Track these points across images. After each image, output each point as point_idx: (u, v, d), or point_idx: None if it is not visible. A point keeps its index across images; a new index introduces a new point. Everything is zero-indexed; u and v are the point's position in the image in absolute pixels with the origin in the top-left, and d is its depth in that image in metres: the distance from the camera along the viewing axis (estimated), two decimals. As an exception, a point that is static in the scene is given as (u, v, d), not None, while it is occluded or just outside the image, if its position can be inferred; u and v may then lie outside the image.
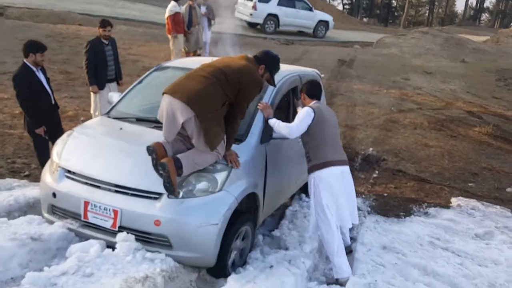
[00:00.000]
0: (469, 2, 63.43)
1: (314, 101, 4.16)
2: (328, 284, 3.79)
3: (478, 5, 67.40)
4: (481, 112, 11.25)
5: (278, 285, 3.19)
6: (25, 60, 4.85)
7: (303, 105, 4.23)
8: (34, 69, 4.87)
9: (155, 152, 3.33)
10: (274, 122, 3.93)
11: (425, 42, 20.18)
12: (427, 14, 65.36)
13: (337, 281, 3.81)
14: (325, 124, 3.98)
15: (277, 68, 3.89)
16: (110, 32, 6.33)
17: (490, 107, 11.94)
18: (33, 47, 4.82)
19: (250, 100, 3.61)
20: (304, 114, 3.95)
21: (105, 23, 6.27)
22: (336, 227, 3.88)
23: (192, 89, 3.29)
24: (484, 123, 10.07)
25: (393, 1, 63.95)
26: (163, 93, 3.41)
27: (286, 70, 4.89)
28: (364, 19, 53.08)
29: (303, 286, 3.52)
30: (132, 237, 3.28)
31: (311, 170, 3.98)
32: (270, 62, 3.76)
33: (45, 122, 4.90)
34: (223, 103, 3.39)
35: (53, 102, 5.12)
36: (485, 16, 71.51)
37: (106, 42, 6.32)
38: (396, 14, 63.03)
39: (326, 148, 3.96)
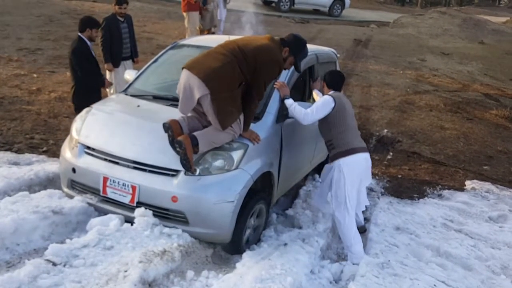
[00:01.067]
0: (489, -18, 61.63)
1: (331, 91, 4.08)
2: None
3: (499, -16, 65.57)
4: (498, 95, 11.08)
5: (292, 262, 3.24)
6: (80, 34, 4.99)
7: (322, 92, 4.17)
8: (89, 43, 5.02)
9: (171, 129, 3.36)
10: (290, 103, 3.91)
11: (443, 22, 19.76)
12: (445, -6, 63.80)
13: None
14: (345, 113, 3.95)
15: (303, 53, 3.78)
16: (126, 9, 6.31)
17: (507, 90, 11.74)
18: (91, 22, 5.03)
19: (268, 81, 3.58)
20: (323, 102, 3.91)
21: (121, 0, 6.23)
22: (353, 214, 3.90)
23: (210, 66, 3.29)
24: (501, 106, 9.93)
25: (411, -20, 62.45)
26: (182, 68, 3.43)
27: (302, 49, 4.86)
28: (381, -2, 52.02)
29: (317, 264, 3.57)
30: (150, 212, 3.35)
31: (335, 157, 3.92)
32: (294, 45, 3.66)
33: (94, 97, 4.90)
34: (240, 83, 3.39)
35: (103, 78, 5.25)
36: (505, -4, 69.59)
37: (121, 19, 6.31)
38: (413, -7, 61.61)
39: (350, 135, 3.95)
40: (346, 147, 3.88)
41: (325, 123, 3.98)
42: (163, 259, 2.87)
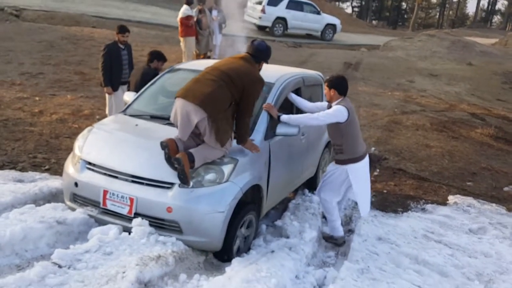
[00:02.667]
0: (480, 4, 63.21)
1: (341, 98, 4.44)
2: (324, 238, 4.77)
3: (490, 7, 67.15)
4: (484, 114, 11.47)
5: (278, 267, 3.50)
6: (150, 64, 5.98)
7: (329, 100, 4.51)
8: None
9: (168, 147, 3.68)
10: (287, 117, 4.30)
11: (432, 45, 20.37)
12: (437, 16, 65.20)
13: (332, 237, 4.73)
14: (355, 123, 4.43)
15: (269, 55, 4.21)
16: (127, 37, 6.70)
17: (494, 109, 12.15)
18: (159, 55, 6.01)
19: (256, 98, 3.96)
20: (337, 112, 4.28)
21: (123, 29, 6.64)
22: (339, 199, 4.70)
23: (203, 92, 3.66)
24: (487, 125, 10.29)
25: (403, 3, 63.89)
26: (175, 97, 3.77)
27: (290, 72, 5.21)
28: (373, 22, 53.20)
29: (302, 270, 3.83)
30: (146, 222, 3.62)
31: (343, 162, 4.48)
32: (265, 55, 4.12)
33: None
34: (230, 103, 3.75)
35: None
36: (497, 18, 71.15)
37: (122, 46, 6.68)
38: (406, 16, 62.98)
39: (358, 143, 4.48)
40: (355, 155, 4.44)
41: (336, 130, 4.42)
42: (158, 263, 3.14)
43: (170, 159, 3.65)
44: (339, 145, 4.46)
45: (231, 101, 3.75)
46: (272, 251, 3.90)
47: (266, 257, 3.72)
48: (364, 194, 4.67)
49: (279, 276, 3.35)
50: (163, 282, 3.12)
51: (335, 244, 4.71)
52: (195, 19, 10.91)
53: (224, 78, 3.74)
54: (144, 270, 3.00)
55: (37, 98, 8.04)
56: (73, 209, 3.91)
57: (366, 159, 4.58)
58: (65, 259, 3.03)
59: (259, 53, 4.08)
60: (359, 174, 4.52)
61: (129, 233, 3.55)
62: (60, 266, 2.94)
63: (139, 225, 3.56)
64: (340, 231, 4.71)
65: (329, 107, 4.53)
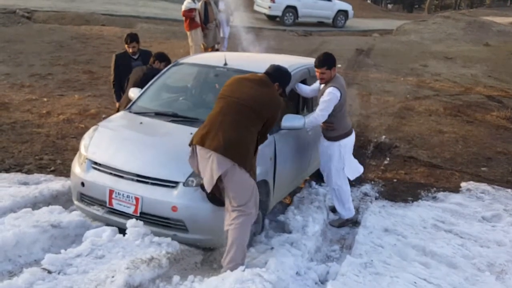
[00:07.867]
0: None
1: (334, 69, 4.55)
2: (339, 225, 4.85)
3: (509, -16, 64.92)
4: (501, 96, 11.10)
5: (276, 265, 3.41)
6: (152, 65, 5.61)
7: (329, 78, 4.52)
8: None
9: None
10: (305, 123, 4.34)
11: (447, 27, 19.82)
12: (454, -3, 63.38)
13: (347, 220, 4.85)
14: (345, 100, 4.60)
15: (288, 82, 4.02)
16: (135, 48, 5.98)
17: (511, 91, 11.75)
18: (162, 57, 5.70)
19: (276, 122, 3.82)
20: (332, 96, 4.39)
21: (126, 39, 5.97)
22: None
23: (225, 137, 3.33)
24: (503, 107, 9.95)
25: (419, -14, 62.24)
26: (194, 144, 3.49)
27: (295, 64, 5.10)
28: (389, 6, 52.14)
29: (303, 266, 3.73)
30: (141, 223, 3.60)
31: (336, 138, 4.64)
32: (283, 80, 3.89)
33: None
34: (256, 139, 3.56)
35: None
36: (517, -4, 68.73)
37: (134, 57, 6.01)
38: (422, -2, 61.39)
39: (347, 117, 4.75)
40: (345, 130, 4.66)
41: None
42: (149, 265, 3.10)
43: (214, 198, 3.51)
44: (330, 123, 4.57)
45: (256, 137, 3.54)
46: (272, 248, 3.82)
47: (264, 254, 3.65)
48: (352, 162, 4.86)
49: (276, 274, 3.26)
50: (154, 285, 3.08)
51: (350, 224, 4.86)
52: (197, 11, 10.78)
53: (248, 115, 3.45)
54: (134, 274, 2.96)
55: (45, 99, 8.09)
56: (81, 209, 3.94)
57: (354, 134, 4.81)
58: (56, 264, 3.01)
59: (277, 74, 3.82)
60: (348, 147, 4.73)
61: (124, 235, 3.51)
62: (49, 272, 2.93)
63: (133, 226, 3.52)
64: (353, 211, 4.90)
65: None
